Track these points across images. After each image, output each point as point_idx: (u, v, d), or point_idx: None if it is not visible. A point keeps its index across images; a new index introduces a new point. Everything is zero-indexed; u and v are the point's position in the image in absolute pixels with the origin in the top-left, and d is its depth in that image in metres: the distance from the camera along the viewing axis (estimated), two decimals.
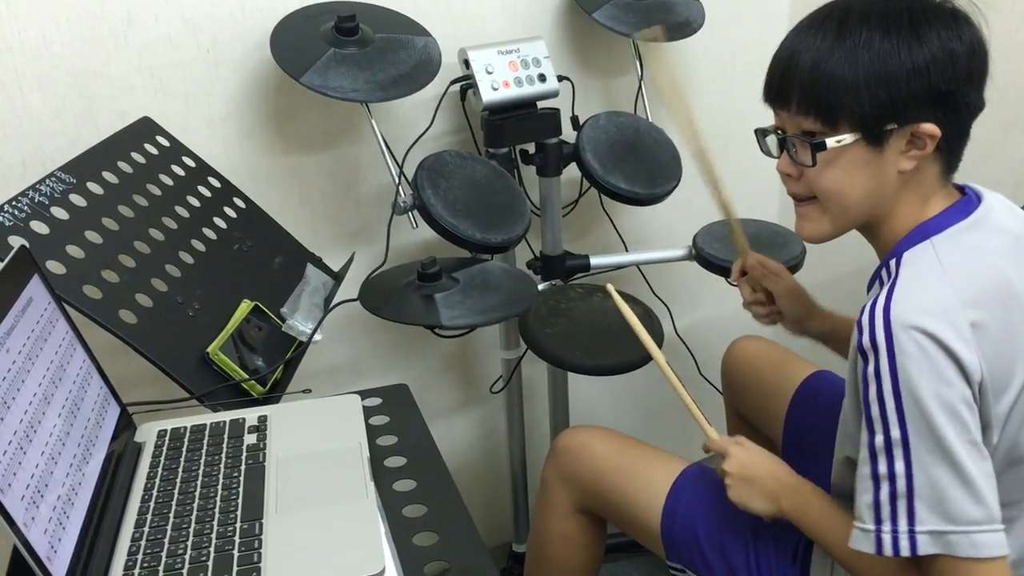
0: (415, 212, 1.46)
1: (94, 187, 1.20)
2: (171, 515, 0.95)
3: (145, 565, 0.88)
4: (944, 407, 0.91)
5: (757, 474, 1.14)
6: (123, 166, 1.27)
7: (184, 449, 1.06)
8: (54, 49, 1.32)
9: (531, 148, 1.67)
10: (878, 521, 0.95)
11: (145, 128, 1.36)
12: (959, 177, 1.06)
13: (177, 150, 1.38)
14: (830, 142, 1.00)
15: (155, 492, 0.99)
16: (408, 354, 1.82)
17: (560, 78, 1.64)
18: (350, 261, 1.49)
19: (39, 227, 1.10)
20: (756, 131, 1.10)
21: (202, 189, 1.37)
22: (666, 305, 1.94)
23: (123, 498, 0.98)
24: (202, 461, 1.04)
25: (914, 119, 0.97)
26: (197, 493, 0.98)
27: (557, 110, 1.63)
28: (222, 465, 1.03)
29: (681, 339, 1.97)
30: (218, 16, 1.42)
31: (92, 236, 1.14)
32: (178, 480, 1.01)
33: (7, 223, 1.07)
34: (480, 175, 1.54)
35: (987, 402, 0.94)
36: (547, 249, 1.74)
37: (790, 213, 1.11)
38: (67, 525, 0.86)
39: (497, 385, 1.81)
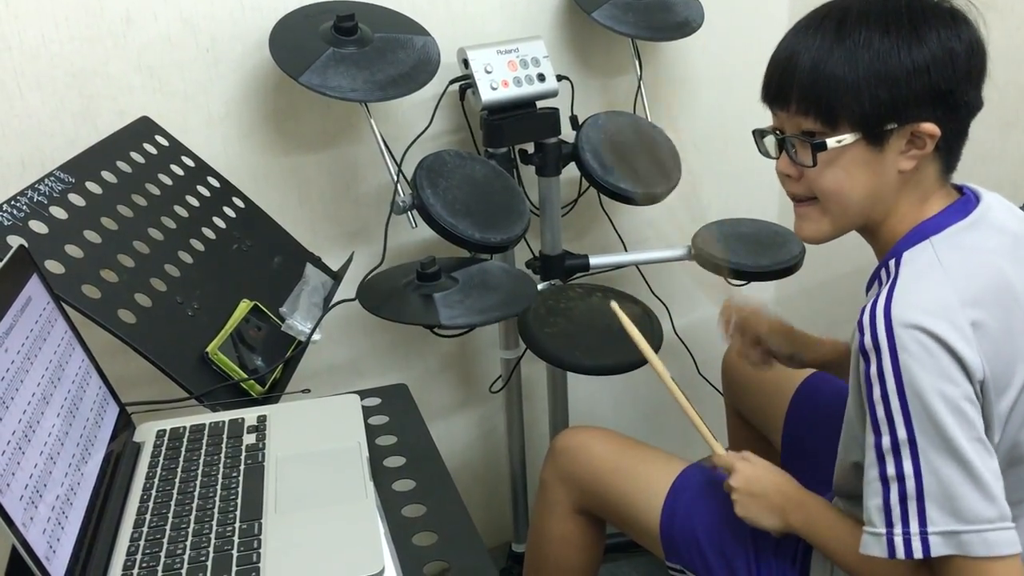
0: (414, 212, 1.46)
1: (93, 187, 1.20)
2: (170, 515, 0.95)
3: (144, 565, 0.88)
4: (949, 405, 0.91)
5: (764, 489, 1.14)
6: (122, 166, 1.27)
7: (183, 449, 1.06)
8: (53, 48, 1.31)
9: (530, 148, 1.66)
10: (889, 524, 0.94)
11: (144, 128, 1.36)
12: (958, 177, 1.06)
13: (176, 150, 1.38)
14: (830, 142, 1.00)
15: (154, 492, 0.99)
16: (407, 354, 1.81)
17: (559, 78, 1.64)
18: (349, 261, 1.49)
19: (38, 227, 1.10)
20: (754, 132, 1.10)
21: (201, 189, 1.36)
22: (665, 305, 1.94)
23: (122, 498, 0.98)
24: (201, 461, 1.04)
25: (914, 118, 0.97)
26: (196, 493, 0.98)
27: (556, 110, 1.63)
28: (221, 465, 1.03)
29: (680, 339, 1.97)
30: (217, 16, 1.42)
31: (91, 236, 1.14)
32: (177, 480, 1.01)
33: (6, 222, 1.06)
34: (479, 175, 1.54)
35: (989, 401, 0.94)
36: (546, 249, 1.74)
37: (790, 213, 1.11)
38: (66, 525, 0.86)
39: (496, 385, 1.81)
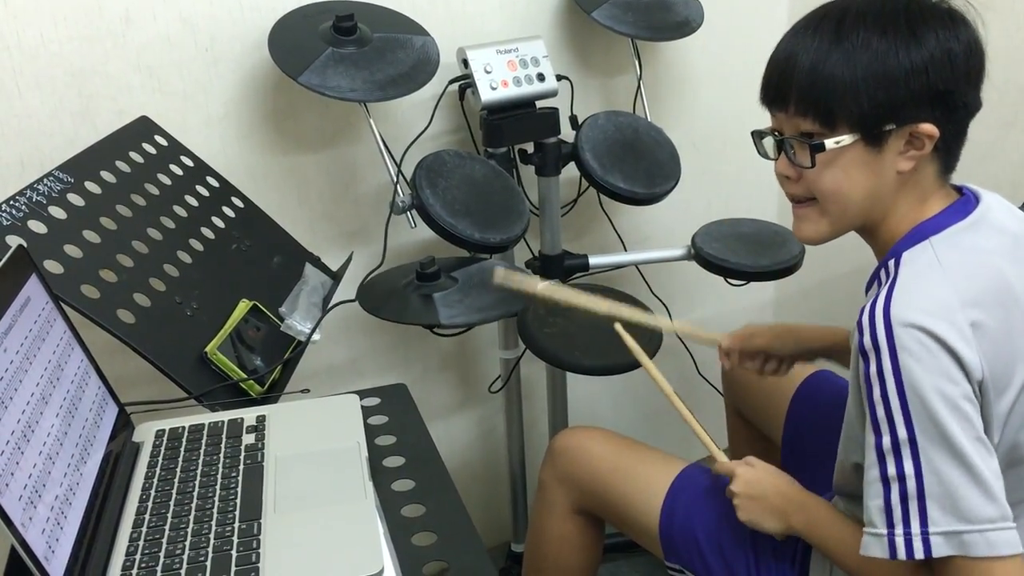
0: (413, 212, 1.46)
1: (92, 186, 1.20)
2: (169, 515, 0.95)
3: (143, 565, 0.88)
4: (949, 404, 0.91)
5: (764, 492, 1.14)
6: (121, 165, 1.27)
7: (182, 449, 1.06)
8: (52, 48, 1.31)
9: (530, 147, 1.66)
10: (890, 525, 0.94)
11: (143, 127, 1.36)
12: (958, 177, 1.06)
13: (175, 149, 1.38)
14: (829, 143, 1.00)
15: (153, 492, 0.99)
16: (406, 354, 1.81)
17: (559, 77, 1.64)
18: (348, 261, 1.49)
19: (37, 226, 1.10)
20: (752, 133, 1.10)
21: (200, 188, 1.36)
22: (665, 305, 1.94)
23: (121, 498, 0.98)
24: (200, 461, 1.04)
25: (912, 119, 0.97)
26: (195, 493, 0.98)
27: (556, 109, 1.63)
28: (220, 465, 1.03)
29: (680, 339, 1.96)
30: (216, 15, 1.42)
31: (90, 235, 1.14)
32: (176, 480, 1.01)
33: (5, 222, 1.06)
34: (479, 175, 1.54)
35: (988, 401, 0.94)
36: (546, 249, 1.74)
37: (789, 213, 1.11)
38: (65, 525, 0.85)
39: (496, 385, 1.81)
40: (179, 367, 1.11)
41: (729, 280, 1.69)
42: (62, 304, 1.01)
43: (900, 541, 0.92)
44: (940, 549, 0.91)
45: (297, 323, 1.27)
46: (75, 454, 0.93)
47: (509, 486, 1.90)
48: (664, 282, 1.97)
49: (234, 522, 0.93)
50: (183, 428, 1.10)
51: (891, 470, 0.93)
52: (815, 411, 1.39)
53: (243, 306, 1.24)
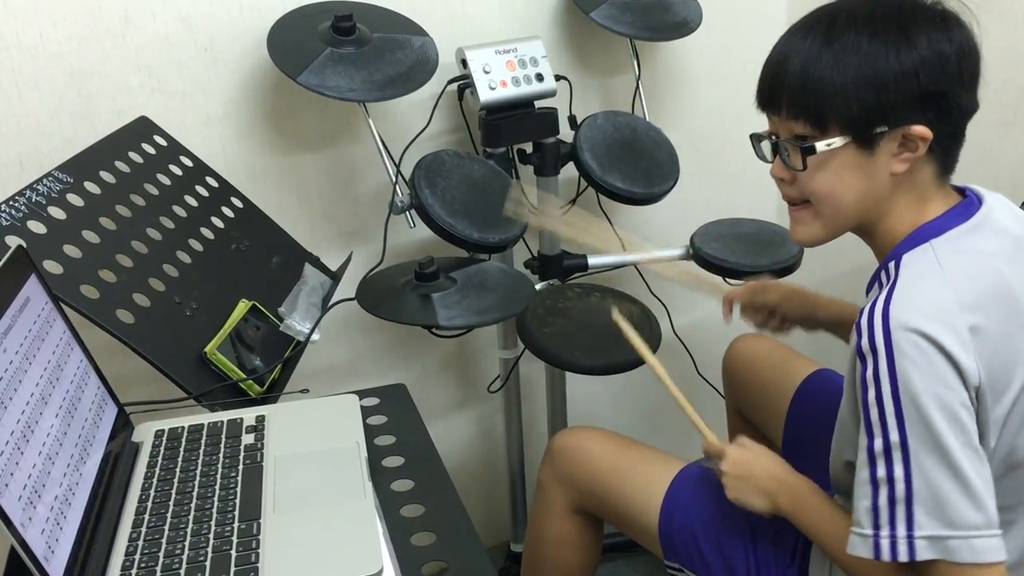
0: (412, 211, 1.46)
1: (91, 187, 1.20)
2: (168, 515, 0.95)
3: (142, 565, 0.88)
4: (943, 410, 0.91)
5: (753, 471, 1.15)
6: (120, 166, 1.27)
7: (181, 449, 1.06)
8: (51, 48, 1.31)
9: (528, 147, 1.66)
10: (876, 526, 0.94)
11: (142, 127, 1.36)
12: (958, 177, 1.06)
13: (175, 149, 1.38)
14: (820, 146, 1.00)
15: (152, 492, 0.99)
16: (406, 354, 1.82)
17: (558, 77, 1.64)
18: (348, 260, 1.49)
19: (36, 227, 1.10)
20: (751, 136, 1.10)
21: (200, 189, 1.36)
22: (664, 305, 1.94)
23: (120, 498, 0.98)
24: (200, 461, 1.04)
25: (904, 121, 0.97)
26: (195, 493, 0.98)
27: (554, 109, 1.63)
28: (220, 465, 1.03)
29: (679, 339, 1.97)
30: (216, 15, 1.42)
31: (89, 236, 1.14)
32: (175, 480, 1.01)
33: (4, 223, 1.06)
34: (478, 174, 1.54)
35: (984, 407, 0.94)
36: (544, 249, 1.74)
37: (787, 213, 1.11)
38: (64, 525, 0.86)
39: (495, 385, 1.81)
40: (178, 367, 1.11)
41: (728, 280, 1.69)
42: (61, 304, 1.01)
43: (885, 543, 0.93)
44: (924, 552, 0.92)
45: (296, 323, 1.27)
46: (75, 454, 0.93)
47: (508, 486, 1.91)
48: (663, 282, 1.97)
49: (233, 522, 0.93)
50: (182, 428, 1.10)
51: (881, 472, 0.94)
52: (816, 410, 1.39)
53: (242, 306, 1.24)
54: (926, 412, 0.91)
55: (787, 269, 1.67)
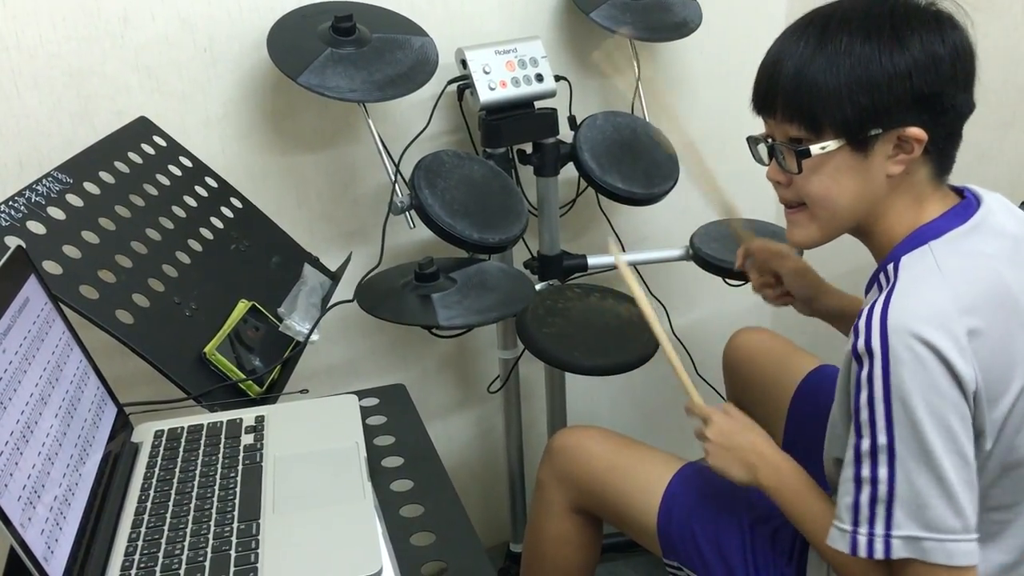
0: (412, 212, 1.46)
1: (91, 187, 1.20)
2: (168, 515, 0.95)
3: (142, 566, 0.88)
4: (934, 417, 0.91)
5: (738, 442, 1.16)
6: (120, 166, 1.27)
7: (181, 449, 1.06)
8: (50, 48, 1.31)
9: (528, 148, 1.67)
10: (855, 523, 0.96)
11: (142, 128, 1.36)
12: (957, 177, 1.06)
13: (174, 150, 1.38)
14: (814, 149, 1.00)
15: (152, 492, 0.99)
16: (405, 354, 1.82)
17: (557, 78, 1.64)
18: (347, 261, 1.49)
19: (36, 227, 1.10)
20: (748, 139, 1.10)
21: (199, 189, 1.36)
22: (663, 305, 1.94)
23: (120, 498, 0.98)
24: (199, 461, 1.04)
25: (899, 123, 0.97)
26: (194, 493, 0.98)
27: (554, 110, 1.63)
28: (219, 465, 1.03)
29: (679, 339, 1.97)
30: (215, 15, 1.42)
31: (89, 236, 1.14)
32: (175, 480, 1.01)
33: (3, 223, 1.06)
34: (477, 175, 1.54)
35: (981, 410, 0.94)
36: (544, 249, 1.74)
37: None
38: (64, 526, 0.86)
39: (494, 385, 1.81)
40: (178, 367, 1.11)
41: (727, 280, 1.69)
42: (61, 305, 1.01)
43: (863, 540, 0.95)
44: (899, 551, 0.93)
45: (296, 323, 1.27)
46: (74, 454, 0.93)
47: (508, 486, 1.91)
48: (662, 282, 1.97)
49: (233, 522, 0.93)
50: (182, 428, 1.10)
51: (865, 472, 0.95)
52: (817, 407, 1.39)
53: (242, 306, 1.24)
54: (916, 418, 0.91)
55: None
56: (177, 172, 1.35)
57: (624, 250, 1.91)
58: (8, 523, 0.76)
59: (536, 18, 1.72)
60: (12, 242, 1.03)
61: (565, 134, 1.67)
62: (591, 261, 1.76)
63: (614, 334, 1.57)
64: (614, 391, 2.12)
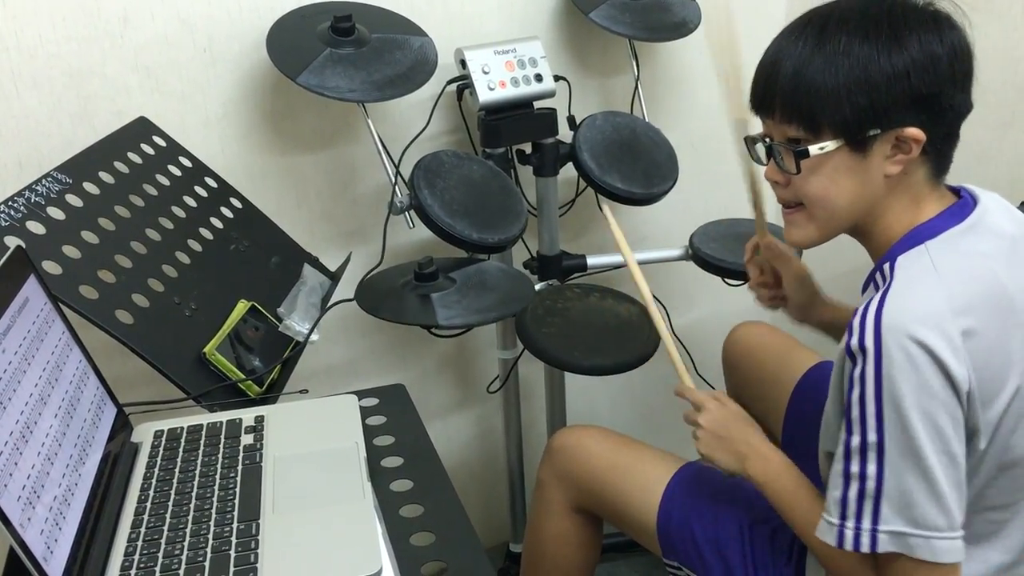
0: (412, 212, 1.46)
1: (90, 187, 1.20)
2: (168, 515, 0.95)
3: (141, 566, 0.88)
4: (924, 417, 0.92)
5: (730, 432, 1.17)
6: (119, 166, 1.27)
7: (181, 449, 1.06)
8: (50, 49, 1.31)
9: (528, 148, 1.67)
10: (843, 517, 0.97)
11: (142, 128, 1.36)
12: (956, 177, 1.06)
13: (173, 150, 1.38)
14: (813, 149, 1.00)
15: (152, 493, 0.99)
16: (405, 354, 1.82)
17: (556, 78, 1.64)
18: (347, 261, 1.49)
19: (35, 227, 1.10)
20: (746, 139, 1.10)
21: (199, 189, 1.36)
22: (663, 305, 1.94)
23: (119, 499, 0.98)
24: (199, 461, 1.04)
25: (897, 124, 0.97)
26: (194, 493, 0.98)
27: (553, 110, 1.63)
28: (219, 465, 1.03)
29: (678, 339, 1.96)
30: (215, 16, 1.42)
31: (88, 236, 1.14)
32: (175, 480, 1.01)
33: (3, 223, 1.06)
34: (477, 175, 1.54)
35: (974, 410, 0.95)
36: (544, 249, 1.74)
37: None
38: (63, 526, 0.86)
39: (494, 385, 1.81)
40: (177, 368, 1.12)
41: (727, 280, 1.69)
42: (61, 305, 1.01)
43: (850, 534, 0.96)
44: (885, 546, 0.95)
45: (295, 323, 1.27)
46: (74, 455, 0.93)
47: (507, 486, 1.91)
48: (662, 282, 1.97)
49: (232, 522, 0.93)
50: (181, 429, 1.10)
51: (854, 468, 0.96)
52: (817, 403, 1.39)
53: (241, 306, 1.24)
54: (906, 417, 0.92)
55: None
56: (177, 172, 1.35)
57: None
58: (7, 523, 0.76)
59: (535, 18, 1.72)
60: (12, 242, 1.03)
61: (564, 134, 1.67)
62: (590, 261, 1.76)
63: (614, 334, 1.57)
64: (613, 391, 2.12)
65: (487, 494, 2.03)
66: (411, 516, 0.97)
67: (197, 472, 1.02)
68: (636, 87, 1.78)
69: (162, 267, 1.21)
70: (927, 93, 0.96)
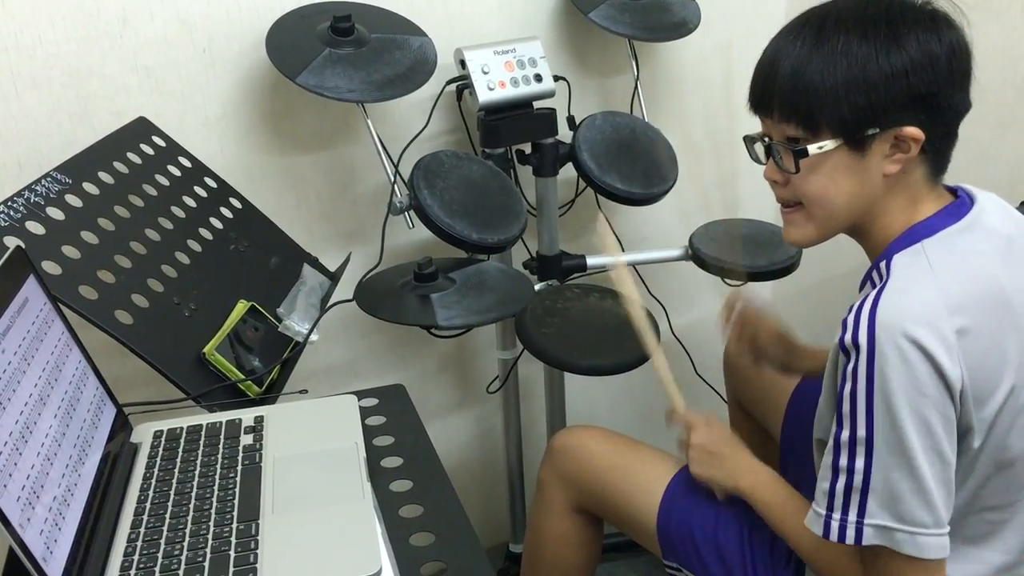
0: (411, 212, 1.46)
1: (90, 187, 1.20)
2: (167, 516, 0.95)
3: (141, 566, 0.88)
4: (914, 415, 0.92)
5: (722, 452, 1.21)
6: (119, 166, 1.27)
7: (180, 450, 1.06)
8: (49, 49, 1.31)
9: (527, 148, 1.67)
10: (830, 508, 0.98)
11: (141, 128, 1.36)
12: (955, 176, 1.06)
13: (173, 150, 1.38)
14: (812, 149, 1.00)
15: (151, 493, 0.99)
16: (404, 354, 1.82)
17: (556, 78, 1.64)
18: (346, 261, 1.49)
19: (35, 227, 1.10)
20: (744, 138, 1.10)
21: (198, 189, 1.36)
22: (662, 305, 1.95)
23: (119, 499, 0.98)
24: (198, 462, 1.04)
25: (896, 123, 0.97)
26: (193, 494, 0.98)
27: (553, 110, 1.63)
28: (218, 466, 1.03)
29: (678, 339, 1.97)
30: (214, 16, 1.42)
31: (88, 236, 1.14)
32: (174, 481, 1.01)
33: (3, 224, 1.06)
34: (476, 175, 1.54)
35: (967, 409, 0.95)
36: (543, 249, 1.74)
37: None
38: (63, 526, 0.86)
39: (494, 385, 1.81)
40: (177, 368, 1.11)
41: (727, 280, 1.69)
42: (60, 305, 1.01)
43: (835, 525, 0.98)
44: (870, 539, 0.96)
45: (295, 323, 1.27)
46: (73, 455, 0.93)
47: (507, 486, 1.91)
48: (662, 282, 1.97)
49: (232, 522, 0.93)
50: (181, 429, 1.10)
51: (843, 461, 0.97)
52: (815, 406, 1.40)
53: (241, 307, 1.24)
54: (896, 414, 0.92)
55: (786, 269, 1.67)
56: (176, 172, 1.35)
57: (624, 249, 1.91)
58: (7, 523, 0.76)
59: (535, 18, 1.72)
60: (11, 242, 1.03)
61: (564, 134, 1.67)
62: (590, 261, 1.76)
63: (613, 334, 1.57)
64: (613, 391, 2.12)
65: (487, 494, 2.03)
66: (411, 516, 0.97)
67: (196, 472, 1.02)
68: (636, 87, 1.78)
69: (162, 267, 1.21)
70: (925, 92, 0.96)
